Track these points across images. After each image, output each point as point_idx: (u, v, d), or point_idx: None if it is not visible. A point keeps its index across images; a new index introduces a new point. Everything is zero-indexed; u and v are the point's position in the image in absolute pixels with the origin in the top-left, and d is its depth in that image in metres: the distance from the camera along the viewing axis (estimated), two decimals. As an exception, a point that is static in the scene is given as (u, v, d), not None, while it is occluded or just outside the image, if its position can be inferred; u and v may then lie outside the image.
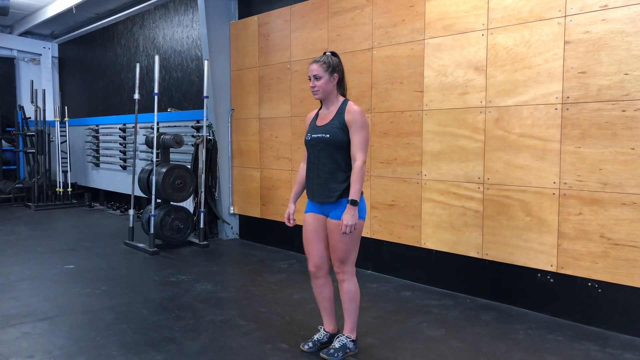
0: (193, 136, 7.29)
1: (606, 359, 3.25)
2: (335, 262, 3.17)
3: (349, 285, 3.18)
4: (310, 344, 3.32)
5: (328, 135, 3.09)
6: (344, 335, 3.24)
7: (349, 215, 2.98)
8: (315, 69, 3.11)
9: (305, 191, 3.35)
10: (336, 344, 3.21)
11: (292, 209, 3.37)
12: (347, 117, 3.07)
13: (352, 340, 3.23)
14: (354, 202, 2.98)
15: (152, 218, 6.16)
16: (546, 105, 3.90)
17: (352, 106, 3.10)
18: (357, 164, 3.02)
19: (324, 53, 3.19)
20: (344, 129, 3.07)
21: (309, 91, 5.69)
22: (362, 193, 3.08)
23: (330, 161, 3.11)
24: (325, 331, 3.36)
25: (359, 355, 3.28)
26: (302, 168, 3.36)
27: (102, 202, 10.27)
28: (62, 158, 10.25)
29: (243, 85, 6.61)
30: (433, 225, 4.66)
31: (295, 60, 5.87)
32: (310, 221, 3.26)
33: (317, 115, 3.28)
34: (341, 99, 3.19)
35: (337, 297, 3.34)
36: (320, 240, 3.24)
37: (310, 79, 3.15)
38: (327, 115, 3.17)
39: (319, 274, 3.30)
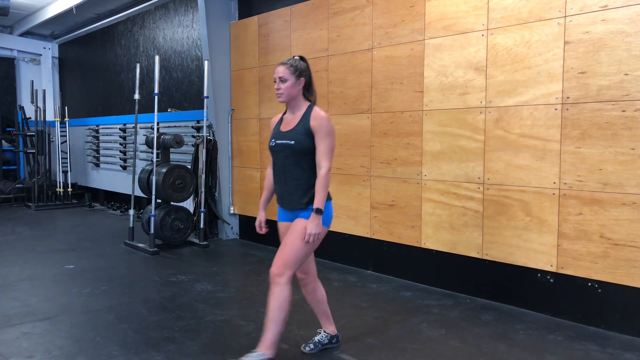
0: (193, 136, 7.29)
1: (606, 359, 3.25)
2: (277, 261, 2.96)
3: (283, 291, 2.92)
4: (312, 346, 3.32)
5: (293, 142, 2.99)
6: (256, 351, 2.95)
7: (312, 225, 2.89)
8: (282, 71, 3.03)
9: (274, 197, 3.25)
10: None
11: (263, 216, 3.30)
12: (313, 123, 2.97)
13: (268, 359, 2.94)
14: (318, 211, 2.89)
15: (152, 218, 6.16)
16: (546, 106, 3.90)
17: (318, 112, 3.01)
18: (321, 171, 2.93)
19: (293, 56, 3.11)
20: (309, 135, 2.97)
21: (309, 91, 5.71)
22: (330, 198, 3.02)
23: (296, 168, 3.02)
24: (326, 332, 3.35)
25: (359, 356, 3.28)
26: (269, 173, 3.25)
27: (102, 202, 10.27)
28: (62, 158, 10.26)
29: (243, 85, 6.62)
30: (433, 225, 4.66)
31: (295, 60, 5.87)
32: (284, 231, 3.16)
33: (281, 119, 3.17)
34: (307, 104, 3.09)
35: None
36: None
37: (275, 81, 3.06)
38: (292, 121, 3.07)
39: (307, 280, 3.23)
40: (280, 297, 2.94)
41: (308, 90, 3.11)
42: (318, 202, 2.90)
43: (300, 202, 3.03)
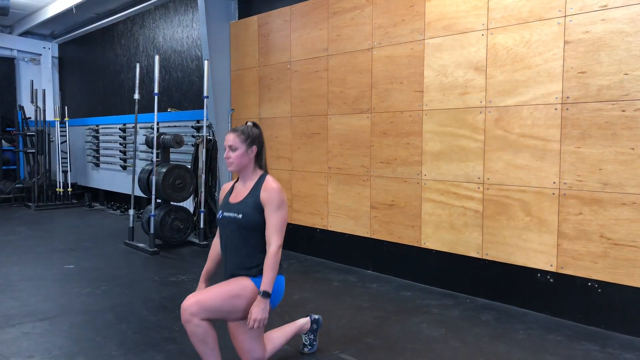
0: (193, 136, 7.29)
1: (606, 359, 3.25)
2: (194, 298, 2.71)
3: (198, 329, 2.68)
4: (309, 347, 3.33)
5: (240, 216, 2.78)
6: None
7: (258, 309, 2.66)
8: (232, 139, 2.81)
9: (220, 269, 3.04)
10: None
11: (203, 288, 3.01)
12: (263, 195, 2.77)
13: None
14: (265, 294, 2.66)
15: (152, 218, 6.16)
16: (546, 105, 3.90)
17: (270, 183, 2.80)
18: (270, 249, 2.70)
19: (245, 123, 2.92)
20: (259, 209, 2.77)
21: (309, 91, 5.73)
22: (281, 269, 2.83)
23: (243, 245, 2.80)
24: (304, 335, 3.31)
25: (359, 356, 3.28)
26: (216, 243, 3.01)
27: (102, 202, 10.27)
28: (62, 158, 10.25)
29: (243, 85, 6.62)
30: (433, 225, 4.66)
31: (295, 60, 5.87)
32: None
33: (232, 188, 2.97)
34: (259, 173, 2.89)
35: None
36: (245, 330, 2.84)
37: (225, 149, 2.84)
38: (242, 192, 2.87)
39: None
40: (197, 335, 2.69)
41: (260, 159, 2.90)
42: (265, 284, 2.67)
43: (249, 275, 2.81)
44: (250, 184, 2.87)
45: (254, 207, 2.78)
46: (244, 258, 2.81)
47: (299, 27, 5.80)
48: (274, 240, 2.73)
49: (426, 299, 4.40)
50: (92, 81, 10.73)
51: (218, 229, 2.97)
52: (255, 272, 2.81)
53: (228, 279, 2.86)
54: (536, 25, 3.93)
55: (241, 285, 2.77)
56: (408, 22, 4.75)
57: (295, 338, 3.38)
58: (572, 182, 3.79)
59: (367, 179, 5.18)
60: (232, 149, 2.82)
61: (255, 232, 2.79)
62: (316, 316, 3.37)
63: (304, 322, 3.32)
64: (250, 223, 2.78)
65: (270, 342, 3.05)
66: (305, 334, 3.33)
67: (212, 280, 3.08)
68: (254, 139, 2.86)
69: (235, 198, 2.89)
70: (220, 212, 2.92)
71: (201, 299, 2.68)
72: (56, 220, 8.57)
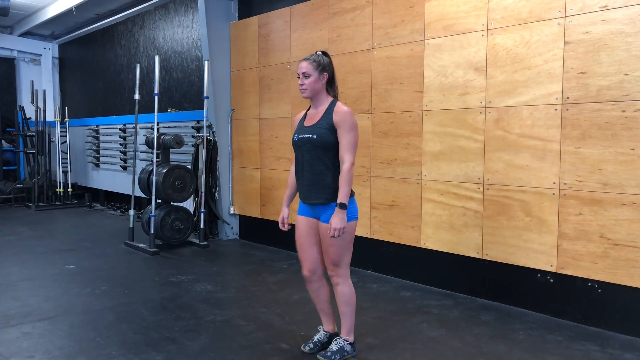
0: (193, 136, 7.29)
1: (606, 359, 3.25)
2: (328, 266, 3.13)
3: (344, 289, 3.13)
4: (311, 345, 3.31)
5: (315, 136, 3.01)
6: (341, 337, 3.22)
7: (337, 219, 2.91)
8: (305, 66, 3.03)
9: (297, 193, 3.28)
10: (334, 346, 3.20)
11: (286, 212, 3.30)
12: (336, 117, 2.98)
13: (350, 343, 3.21)
14: (342, 206, 2.92)
15: (152, 218, 6.16)
16: (546, 106, 3.91)
17: (341, 107, 3.02)
18: (345, 166, 2.94)
19: (316, 52, 3.13)
20: (332, 130, 2.99)
21: (309, 91, 5.72)
22: (353, 194, 3.05)
23: (318, 162, 3.03)
24: (325, 331, 3.35)
25: (359, 356, 3.28)
26: (292, 170, 3.26)
27: (103, 202, 10.27)
28: (62, 158, 10.26)
29: (243, 85, 6.62)
30: (433, 225, 4.66)
31: (295, 60, 5.88)
32: (302, 225, 3.19)
33: (305, 115, 3.19)
34: (330, 99, 3.11)
35: (334, 298, 3.32)
36: (312, 244, 3.18)
37: (299, 77, 3.07)
38: (315, 116, 3.09)
39: (313, 278, 3.24)
40: (344, 295, 3.13)
41: (331, 86, 3.12)
42: (342, 196, 2.92)
43: (322, 197, 3.04)
44: (323, 108, 3.07)
45: (328, 128, 2.99)
46: (319, 175, 3.03)
47: (299, 28, 5.81)
48: (347, 158, 2.95)
49: (426, 299, 4.40)
50: (93, 81, 10.73)
51: (294, 153, 3.18)
52: (326, 198, 3.02)
53: (306, 195, 3.10)
54: (536, 26, 3.94)
55: (327, 228, 2.99)
56: (408, 22, 4.76)
57: (294, 339, 3.37)
58: (572, 183, 3.80)
59: (367, 179, 5.18)
60: (306, 75, 3.03)
61: (328, 151, 3.00)
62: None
63: (334, 325, 3.36)
64: (324, 142, 2.99)
65: (324, 291, 3.31)
66: (324, 331, 3.34)
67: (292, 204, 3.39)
68: (325, 66, 3.06)
69: (309, 122, 3.09)
70: (295, 135, 3.12)
71: (332, 260, 3.07)
72: (56, 221, 8.57)
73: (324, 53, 3.12)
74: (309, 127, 3.06)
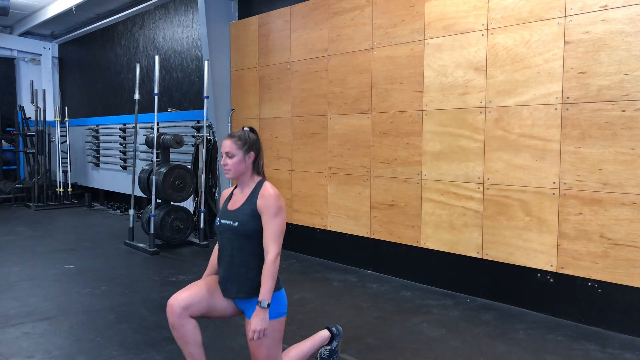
0: (193, 136, 7.29)
1: (606, 359, 3.25)
2: None
3: None
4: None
5: (237, 224, 2.70)
6: None
7: (257, 320, 2.56)
8: (228, 145, 2.73)
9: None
10: None
11: None
12: (260, 202, 2.67)
13: None
14: (263, 304, 2.57)
15: (152, 218, 6.16)
16: (546, 106, 3.90)
17: (267, 189, 2.71)
18: (268, 258, 2.61)
19: (242, 128, 2.85)
20: (256, 216, 2.68)
21: (309, 91, 5.73)
22: (281, 287, 2.75)
23: (239, 253, 2.71)
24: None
25: (359, 356, 3.28)
26: (216, 249, 2.92)
27: (102, 202, 10.27)
28: (62, 158, 10.26)
29: (243, 85, 6.62)
30: (433, 225, 4.66)
31: (295, 60, 5.87)
32: (210, 281, 2.83)
33: (231, 194, 2.89)
34: (257, 179, 2.81)
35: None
36: (205, 290, 2.76)
37: (222, 156, 2.78)
38: (240, 199, 2.79)
39: (182, 321, 2.66)
40: None
41: (258, 165, 2.83)
42: (263, 293, 2.58)
43: (243, 292, 2.73)
44: (248, 191, 2.79)
45: (251, 215, 2.70)
46: (238, 267, 2.72)
47: (299, 28, 5.81)
48: (271, 248, 2.63)
49: (426, 299, 4.40)
50: (92, 81, 10.73)
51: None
52: (249, 292, 2.71)
53: (224, 286, 2.77)
54: (536, 26, 3.94)
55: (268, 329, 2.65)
56: (408, 22, 4.76)
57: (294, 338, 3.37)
58: (572, 182, 3.79)
59: (367, 179, 5.18)
60: (229, 155, 2.74)
61: (251, 240, 2.71)
62: (334, 328, 3.19)
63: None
64: (246, 231, 2.69)
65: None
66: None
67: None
68: (251, 144, 2.78)
69: (232, 205, 2.81)
70: (217, 219, 2.83)
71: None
72: (56, 220, 8.57)
73: (252, 129, 2.84)
74: (232, 212, 2.76)
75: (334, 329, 3.20)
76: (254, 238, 2.69)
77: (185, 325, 2.67)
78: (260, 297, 2.59)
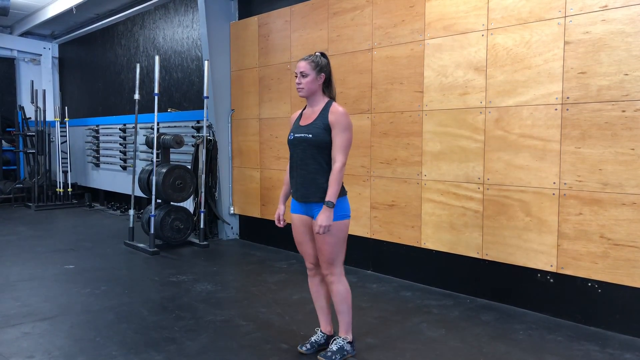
0: (193, 136, 7.29)
1: (606, 359, 3.25)
2: (322, 264, 3.16)
3: (339, 287, 3.17)
4: (308, 346, 3.31)
5: (311, 135, 3.05)
6: (340, 337, 3.22)
7: (323, 217, 2.96)
8: (303, 66, 3.08)
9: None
10: (333, 346, 3.20)
11: (282, 209, 3.34)
12: (331, 117, 3.03)
13: (349, 342, 3.22)
14: (329, 204, 2.97)
15: (152, 218, 6.16)
16: (546, 106, 3.91)
17: (336, 107, 3.06)
18: (336, 165, 2.99)
19: (314, 53, 3.17)
20: (327, 130, 3.03)
21: (309, 91, 5.72)
22: (345, 193, 3.11)
23: (312, 161, 3.06)
24: (322, 332, 3.35)
25: (359, 356, 3.28)
26: (288, 168, 3.30)
27: (102, 202, 10.27)
28: (62, 158, 10.26)
29: (243, 85, 6.62)
30: (433, 225, 4.66)
31: (295, 60, 5.87)
32: (297, 223, 3.23)
33: (301, 115, 3.24)
34: (326, 99, 3.14)
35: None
36: (311, 240, 3.22)
37: (296, 75, 3.11)
38: (311, 115, 3.13)
39: (316, 271, 3.30)
40: (339, 293, 3.17)
41: (328, 87, 3.16)
42: (330, 195, 2.97)
43: (316, 196, 3.07)
44: (319, 108, 3.10)
45: (323, 128, 3.02)
46: (312, 174, 3.06)
47: (299, 28, 5.81)
48: (339, 158, 2.99)
49: (426, 299, 4.40)
50: (92, 81, 10.73)
51: (289, 151, 3.21)
52: (319, 196, 3.05)
53: (300, 193, 3.12)
54: (536, 26, 3.94)
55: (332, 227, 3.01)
56: (408, 22, 4.76)
57: (294, 338, 3.37)
58: (572, 183, 3.80)
59: (367, 179, 5.18)
60: (303, 75, 3.06)
61: (323, 150, 3.04)
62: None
63: (331, 327, 3.37)
64: (319, 141, 3.02)
65: (325, 288, 3.35)
66: (322, 332, 3.34)
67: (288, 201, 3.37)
68: (323, 67, 3.10)
69: (305, 121, 3.13)
70: (291, 134, 3.16)
71: (326, 259, 3.10)
72: (56, 221, 8.57)
73: (323, 54, 3.16)
74: (305, 127, 3.10)
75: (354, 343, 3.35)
76: (325, 148, 3.04)
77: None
78: (327, 198, 2.99)
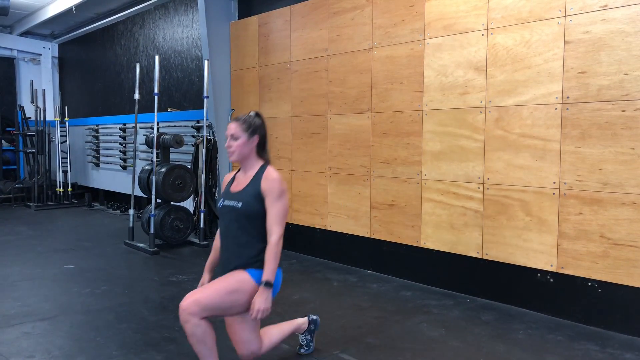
0: (193, 136, 7.29)
1: (606, 359, 3.25)
2: (192, 297, 2.69)
3: (197, 329, 2.64)
4: (305, 347, 3.34)
5: (240, 205, 2.75)
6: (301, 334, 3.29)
7: (261, 299, 2.63)
8: (233, 128, 2.79)
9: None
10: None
11: (207, 279, 2.98)
12: (264, 185, 2.74)
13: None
14: (267, 284, 2.65)
15: (152, 218, 6.16)
16: (546, 105, 3.90)
17: (270, 172, 2.78)
18: (272, 239, 2.68)
19: (248, 112, 2.92)
20: (259, 199, 2.74)
21: (309, 91, 5.72)
22: (279, 267, 2.78)
23: (242, 233, 2.76)
24: (301, 335, 3.35)
25: (359, 356, 3.28)
26: (218, 234, 2.96)
27: (102, 202, 10.27)
28: (62, 158, 10.26)
29: (243, 85, 6.62)
30: (433, 225, 4.66)
31: (295, 60, 5.87)
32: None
33: (234, 178, 2.95)
34: (260, 162, 2.87)
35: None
36: (243, 322, 2.83)
37: (227, 138, 2.83)
38: (243, 181, 2.85)
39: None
40: (196, 335, 2.65)
41: (263, 149, 2.89)
42: (267, 273, 2.65)
43: (239, 264, 2.77)
44: (251, 173, 2.84)
45: (254, 196, 2.75)
46: (242, 247, 2.77)
47: (299, 27, 5.80)
48: (275, 230, 2.70)
49: (426, 299, 4.40)
50: (92, 81, 10.73)
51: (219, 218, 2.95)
52: (252, 263, 2.75)
53: (225, 267, 2.82)
54: (536, 25, 3.93)
55: (239, 279, 2.72)
56: (408, 22, 4.75)
57: (293, 338, 3.38)
58: (572, 182, 3.79)
59: (367, 178, 5.18)
60: (234, 137, 2.80)
61: (254, 221, 2.75)
62: (314, 317, 3.37)
63: (301, 321, 3.31)
64: (249, 211, 2.74)
65: (268, 337, 3.01)
66: (303, 334, 3.33)
67: (215, 271, 3.07)
68: (256, 128, 2.84)
69: (236, 187, 2.87)
70: (221, 200, 2.89)
71: (199, 298, 2.64)
72: (56, 220, 8.57)
73: (257, 114, 2.90)
74: (236, 193, 2.82)
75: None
76: (257, 219, 2.74)
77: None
78: (264, 278, 2.67)
